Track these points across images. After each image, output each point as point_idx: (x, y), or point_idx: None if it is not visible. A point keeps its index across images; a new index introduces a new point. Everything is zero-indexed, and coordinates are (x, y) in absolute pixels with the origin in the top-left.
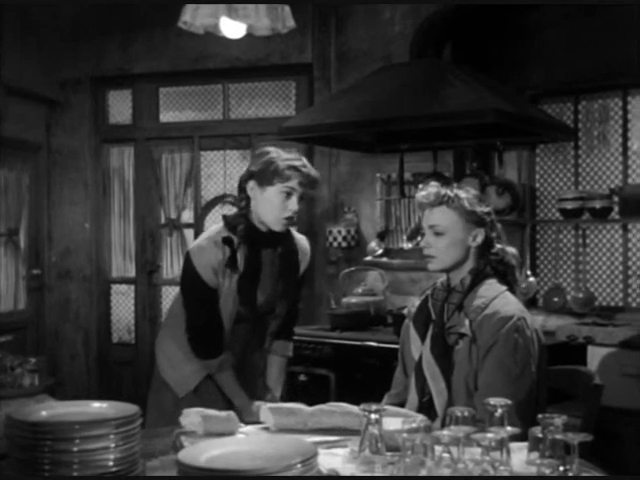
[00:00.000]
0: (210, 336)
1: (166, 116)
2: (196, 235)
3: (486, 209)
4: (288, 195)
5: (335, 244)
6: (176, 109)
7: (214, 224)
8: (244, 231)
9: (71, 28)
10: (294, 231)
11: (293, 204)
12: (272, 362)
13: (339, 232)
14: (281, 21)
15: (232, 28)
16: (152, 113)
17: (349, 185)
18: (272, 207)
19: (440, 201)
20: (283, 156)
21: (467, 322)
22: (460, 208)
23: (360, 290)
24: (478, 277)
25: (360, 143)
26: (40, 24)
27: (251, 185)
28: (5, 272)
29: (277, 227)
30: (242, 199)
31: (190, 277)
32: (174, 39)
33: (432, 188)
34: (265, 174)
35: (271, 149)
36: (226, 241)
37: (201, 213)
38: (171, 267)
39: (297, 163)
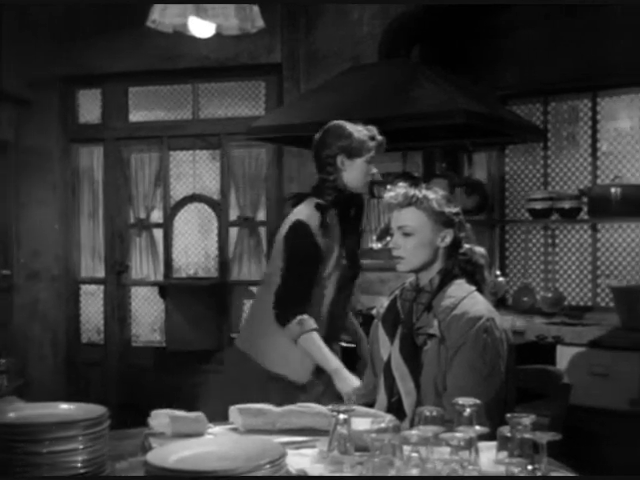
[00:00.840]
0: (295, 298)
1: (136, 116)
2: (166, 235)
3: (454, 209)
4: (370, 162)
5: None
6: (145, 109)
7: (183, 223)
8: (337, 197)
9: (40, 27)
10: None
11: (373, 168)
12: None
13: None
14: (250, 21)
15: (200, 27)
16: (121, 113)
17: None
18: (362, 175)
19: (409, 202)
20: (360, 129)
21: (436, 322)
22: (429, 209)
23: None
24: (447, 277)
25: None
26: (9, 23)
27: (340, 159)
28: None
29: (364, 190)
30: (331, 172)
31: (305, 244)
32: (144, 38)
33: (400, 189)
34: (353, 148)
35: (345, 124)
36: (319, 207)
37: (170, 213)
38: (140, 267)
39: (374, 133)
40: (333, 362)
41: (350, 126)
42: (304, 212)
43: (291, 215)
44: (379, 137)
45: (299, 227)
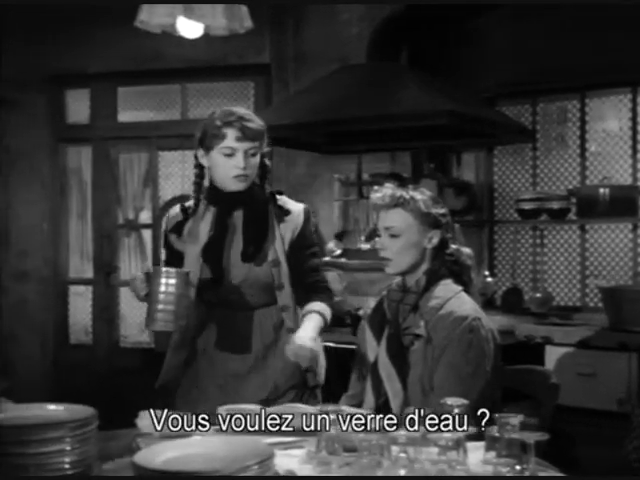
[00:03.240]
0: None
1: (124, 116)
2: (154, 236)
3: (442, 210)
4: (230, 155)
5: None
6: (134, 109)
7: None
8: (206, 196)
9: (26, 26)
10: (286, 198)
11: (238, 162)
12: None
13: None
14: (238, 21)
15: (189, 28)
16: (110, 112)
17: (306, 186)
18: (218, 170)
19: (395, 203)
20: (219, 114)
21: (422, 323)
22: (416, 210)
23: None
24: (433, 278)
25: (317, 144)
26: None
27: (201, 153)
28: None
29: (233, 187)
30: (195, 167)
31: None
32: (132, 38)
33: (387, 190)
34: (205, 138)
35: (216, 110)
36: (181, 208)
37: (159, 214)
38: (129, 268)
39: (230, 118)
40: None
41: (216, 111)
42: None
43: None
44: (237, 124)
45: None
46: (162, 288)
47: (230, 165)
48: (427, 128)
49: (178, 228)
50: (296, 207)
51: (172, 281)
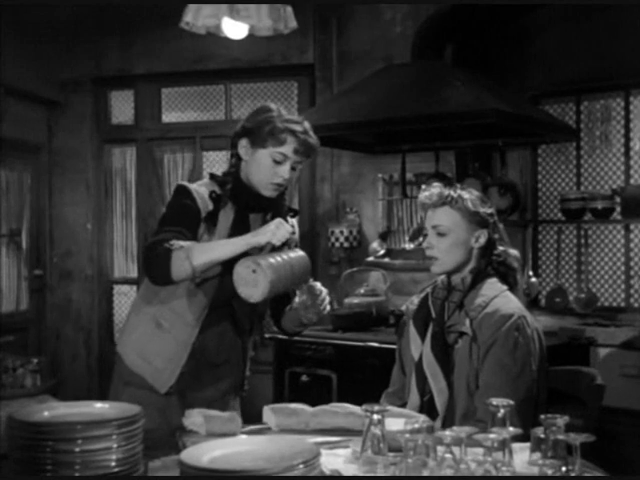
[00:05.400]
0: (163, 238)
1: (168, 117)
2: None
3: (489, 210)
4: (279, 163)
5: (337, 244)
6: (178, 110)
7: None
8: (232, 190)
9: (70, 28)
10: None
11: (284, 171)
12: None
13: (341, 232)
14: (283, 22)
15: (234, 29)
16: (154, 113)
17: (351, 185)
18: (260, 170)
19: (443, 201)
20: (283, 117)
21: (467, 321)
22: (463, 209)
23: (362, 291)
24: (479, 276)
25: (361, 143)
26: (39, 24)
27: (243, 143)
28: (7, 272)
29: (265, 192)
30: (232, 155)
31: (183, 201)
32: (175, 39)
33: (435, 189)
34: (260, 134)
35: (273, 107)
36: (212, 196)
37: None
38: None
39: (297, 127)
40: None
41: (276, 110)
42: (197, 185)
43: None
44: (302, 136)
45: (179, 188)
46: (286, 256)
47: (274, 172)
48: (472, 127)
49: (212, 218)
50: (296, 227)
51: (296, 260)
